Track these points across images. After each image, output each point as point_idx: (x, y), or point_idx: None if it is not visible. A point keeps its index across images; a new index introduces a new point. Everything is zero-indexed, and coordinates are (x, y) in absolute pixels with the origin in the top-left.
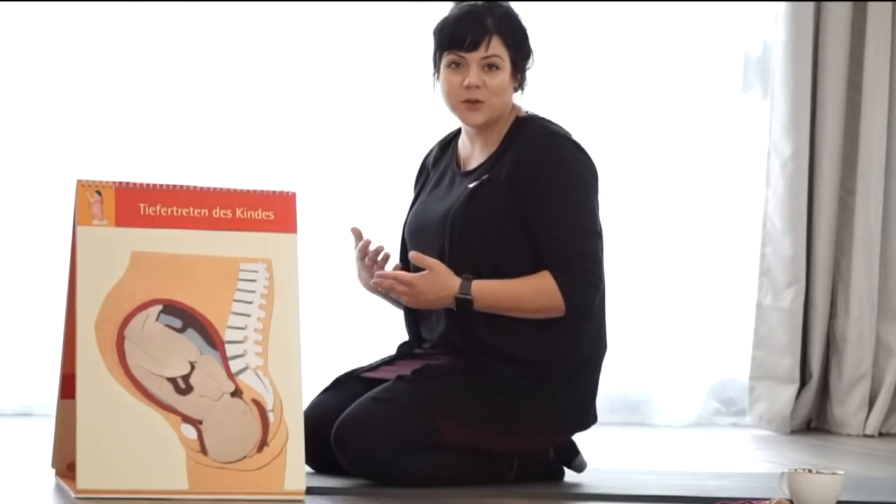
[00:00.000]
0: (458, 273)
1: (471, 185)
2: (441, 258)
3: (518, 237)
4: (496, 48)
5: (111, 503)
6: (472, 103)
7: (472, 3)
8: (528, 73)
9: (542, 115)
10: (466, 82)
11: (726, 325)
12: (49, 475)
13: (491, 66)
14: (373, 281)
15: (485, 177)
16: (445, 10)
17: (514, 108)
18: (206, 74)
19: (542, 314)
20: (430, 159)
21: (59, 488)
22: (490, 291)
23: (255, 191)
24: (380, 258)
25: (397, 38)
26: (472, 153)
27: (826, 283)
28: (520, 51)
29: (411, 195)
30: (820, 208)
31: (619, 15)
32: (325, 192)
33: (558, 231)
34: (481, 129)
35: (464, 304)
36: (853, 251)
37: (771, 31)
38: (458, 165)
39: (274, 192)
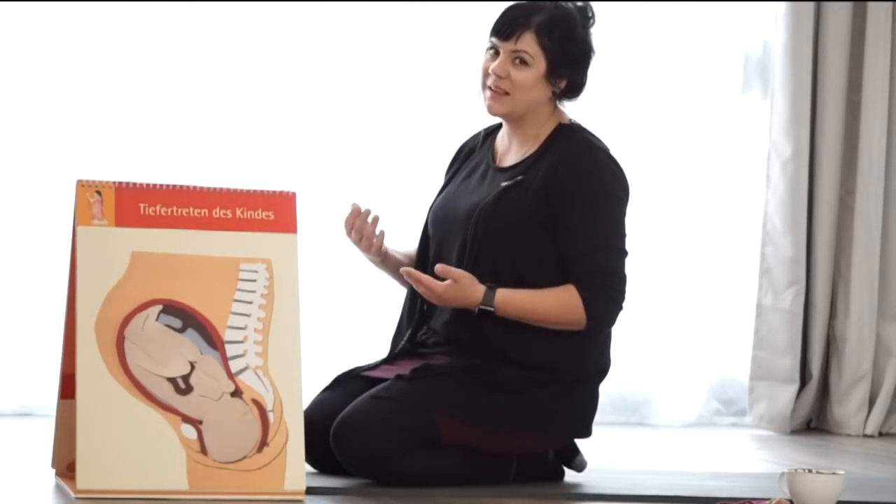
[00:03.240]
0: (477, 273)
1: (504, 184)
2: (462, 250)
3: (541, 243)
4: (527, 44)
5: (111, 503)
6: (495, 91)
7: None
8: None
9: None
10: (491, 68)
11: (726, 325)
12: (49, 475)
13: (521, 62)
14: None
15: (519, 178)
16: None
17: (558, 112)
18: (206, 74)
19: (562, 327)
20: (469, 145)
21: (59, 488)
22: (513, 303)
23: (255, 191)
24: (370, 220)
25: (398, 39)
26: (509, 149)
27: (826, 283)
28: (558, 55)
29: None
30: (820, 208)
31: (619, 15)
32: (325, 192)
33: (585, 246)
34: (516, 127)
35: (486, 313)
36: (853, 251)
37: (771, 31)
38: (494, 159)
39: (274, 192)
